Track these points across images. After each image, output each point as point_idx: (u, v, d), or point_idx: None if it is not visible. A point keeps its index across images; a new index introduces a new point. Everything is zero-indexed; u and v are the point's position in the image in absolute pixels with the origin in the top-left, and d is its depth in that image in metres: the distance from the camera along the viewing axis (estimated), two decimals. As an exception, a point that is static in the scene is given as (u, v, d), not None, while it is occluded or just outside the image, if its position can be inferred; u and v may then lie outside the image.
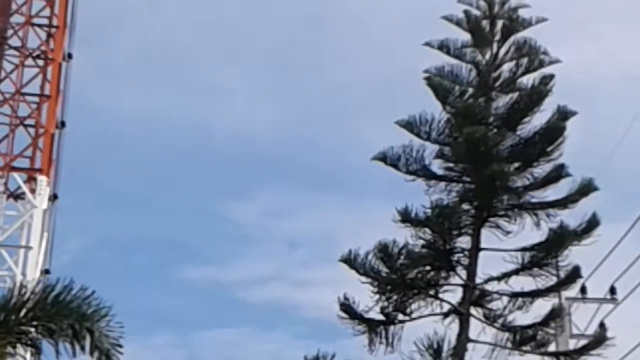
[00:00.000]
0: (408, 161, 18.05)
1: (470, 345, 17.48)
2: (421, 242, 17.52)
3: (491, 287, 17.73)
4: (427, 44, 18.78)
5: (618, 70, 40.70)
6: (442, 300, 17.73)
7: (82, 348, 10.98)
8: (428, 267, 17.64)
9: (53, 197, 27.02)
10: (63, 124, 27.74)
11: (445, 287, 17.79)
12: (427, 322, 17.72)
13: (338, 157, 45.10)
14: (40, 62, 27.85)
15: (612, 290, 21.29)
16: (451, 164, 18.02)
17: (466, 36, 18.81)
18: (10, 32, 27.84)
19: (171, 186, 48.14)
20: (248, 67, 48.05)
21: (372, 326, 17.69)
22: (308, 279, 47.87)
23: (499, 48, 18.81)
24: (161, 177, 47.25)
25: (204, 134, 48.64)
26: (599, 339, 18.16)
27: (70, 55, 28.24)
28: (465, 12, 18.81)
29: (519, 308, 17.71)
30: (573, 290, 19.50)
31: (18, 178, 26.59)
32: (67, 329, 10.84)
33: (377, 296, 17.64)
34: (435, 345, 17.28)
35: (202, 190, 48.31)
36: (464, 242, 17.70)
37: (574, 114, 18.09)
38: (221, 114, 49.00)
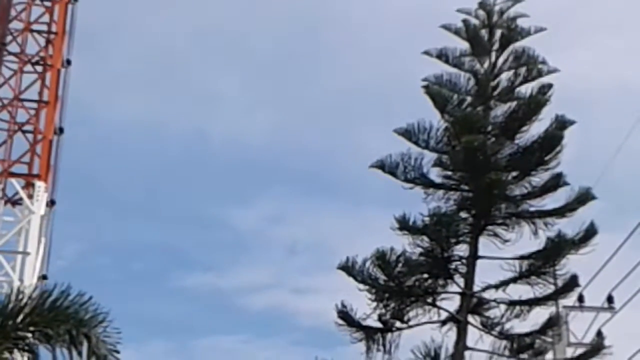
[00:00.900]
0: (406, 169, 18.08)
1: (467, 353, 17.49)
2: (419, 249, 17.56)
3: (489, 295, 17.76)
4: (426, 52, 18.83)
5: (616, 79, 40.78)
6: (439, 308, 17.75)
7: (79, 354, 10.97)
8: (426, 275, 17.66)
9: (51, 203, 26.97)
10: (61, 130, 27.72)
11: (442, 295, 17.81)
12: (425, 330, 17.75)
13: (336, 164, 45.14)
14: (39, 68, 27.83)
15: (610, 299, 21.27)
16: (449, 172, 18.05)
17: (465, 45, 18.88)
18: (9, 38, 27.84)
19: (169, 193, 48.16)
20: (245, 73, 48.12)
21: (369, 334, 17.69)
22: (306, 286, 47.85)
23: (497, 57, 18.86)
24: (159, 183, 47.28)
25: (202, 141, 48.67)
26: (597, 347, 18.18)
27: (69, 62, 28.23)
28: (464, 21, 18.87)
29: (517, 316, 17.73)
30: (570, 299, 19.48)
31: (16, 184, 26.55)
32: (64, 335, 10.83)
33: (375, 304, 17.66)
34: (432, 353, 17.29)
35: (200, 196, 48.29)
36: (461, 250, 17.74)
37: (572, 123, 18.14)
38: (219, 121, 49.05)
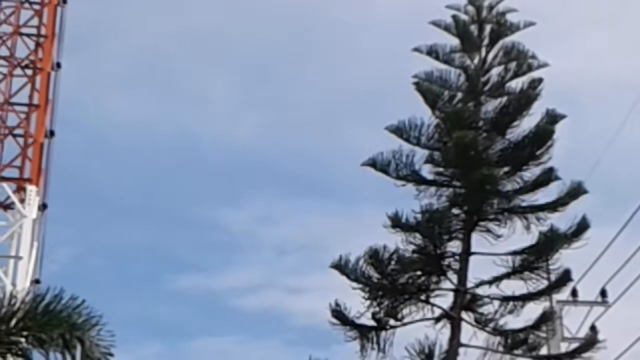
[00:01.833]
0: (398, 166, 18.06)
1: (461, 350, 17.49)
2: (412, 247, 17.54)
3: (482, 291, 17.76)
4: (416, 49, 18.81)
5: (606, 73, 40.83)
6: (433, 305, 17.74)
7: (73, 358, 10.94)
8: (419, 272, 17.65)
9: (43, 207, 26.93)
10: (52, 133, 27.68)
11: (436, 292, 17.80)
12: (419, 327, 17.75)
13: (327, 163, 45.16)
14: (29, 72, 27.79)
15: (603, 293, 21.30)
16: (441, 169, 18.04)
17: (455, 41, 18.86)
18: (-2, 42, 27.78)
19: (160, 194, 48.12)
20: (234, 74, 48.11)
21: (363, 332, 17.68)
22: (299, 286, 47.87)
23: (487, 52, 18.86)
24: (150, 185, 47.25)
25: (193, 142, 48.65)
26: (590, 341, 18.19)
27: (59, 65, 28.20)
28: (454, 17, 18.86)
29: (510, 312, 17.73)
30: (564, 294, 19.51)
31: (7, 188, 26.51)
32: (58, 339, 10.79)
33: (369, 302, 17.65)
34: (426, 350, 17.28)
35: (191, 198, 48.26)
36: (454, 246, 17.73)
37: (562, 117, 18.14)
38: (210, 122, 49.03)
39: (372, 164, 18.14)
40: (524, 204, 17.94)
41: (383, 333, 17.73)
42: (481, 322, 17.69)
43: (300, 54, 47.42)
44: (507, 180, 17.95)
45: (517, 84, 18.52)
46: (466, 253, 17.69)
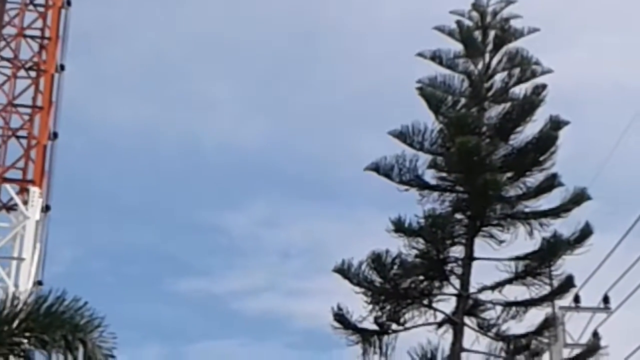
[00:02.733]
0: (401, 171, 18.08)
1: (464, 355, 17.49)
2: (414, 251, 17.55)
3: (485, 296, 17.76)
4: (420, 54, 18.84)
5: (610, 78, 40.81)
6: (435, 309, 17.75)
7: (75, 359, 10.95)
8: (421, 277, 17.65)
9: (45, 209, 26.92)
10: (55, 135, 27.68)
11: (438, 297, 17.81)
12: (421, 332, 17.75)
13: (330, 167, 45.12)
14: (33, 74, 27.79)
15: (606, 299, 21.27)
16: (444, 174, 18.05)
17: (459, 46, 18.88)
18: (2, 43, 27.80)
19: (163, 197, 48.08)
20: (238, 78, 48.10)
21: (366, 336, 17.68)
22: (301, 289, 47.82)
23: (491, 58, 18.87)
24: (153, 188, 47.24)
25: (195, 145, 48.62)
26: (593, 347, 18.20)
27: (62, 67, 28.18)
28: (458, 22, 18.88)
29: (513, 317, 17.73)
30: (566, 300, 19.50)
31: (10, 189, 26.50)
32: (60, 340, 10.80)
33: (371, 306, 17.65)
34: (429, 355, 17.28)
35: (194, 201, 48.25)
36: (457, 251, 17.73)
37: (566, 123, 18.16)
38: (213, 125, 49.00)
39: (375, 168, 18.15)
40: (527, 210, 17.95)
41: (385, 337, 17.73)
42: (484, 328, 17.69)
43: (304, 59, 47.43)
44: (510, 186, 17.96)
45: (520, 90, 18.57)
46: (469, 258, 17.69)
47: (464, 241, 17.68)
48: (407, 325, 17.78)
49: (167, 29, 46.53)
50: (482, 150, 17.80)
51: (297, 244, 47.56)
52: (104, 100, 44.10)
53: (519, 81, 18.61)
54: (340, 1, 45.16)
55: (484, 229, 17.83)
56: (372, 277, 17.52)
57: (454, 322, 17.51)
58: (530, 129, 18.21)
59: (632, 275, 19.66)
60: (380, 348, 17.68)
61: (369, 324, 17.75)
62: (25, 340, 10.94)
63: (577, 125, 19.37)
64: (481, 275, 17.75)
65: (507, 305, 17.67)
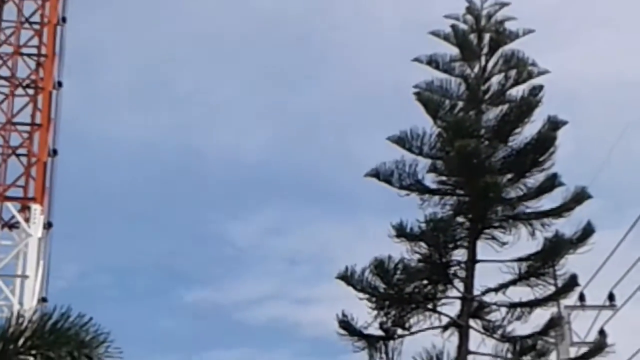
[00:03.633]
0: (401, 176, 18.09)
1: (470, 357, 17.48)
2: (417, 256, 17.56)
3: (489, 298, 17.76)
4: (416, 59, 18.86)
5: (609, 76, 40.86)
6: (440, 313, 17.74)
7: (82, 375, 10.95)
8: (425, 281, 17.66)
9: (48, 225, 26.98)
10: (55, 152, 27.75)
11: (443, 300, 17.80)
12: (427, 336, 17.74)
13: (332, 174, 45.18)
14: (31, 91, 27.88)
15: (611, 297, 21.30)
16: (444, 178, 18.07)
17: (454, 50, 18.91)
18: (-1, 62, 27.88)
19: (167, 209, 48.16)
20: (238, 87, 48.20)
21: (371, 342, 17.68)
22: (307, 297, 47.88)
23: (487, 61, 18.89)
24: (156, 200, 47.28)
25: (198, 156, 48.70)
26: (600, 346, 18.18)
27: (60, 84, 28.28)
28: (453, 26, 18.90)
29: (518, 318, 17.72)
30: (571, 299, 19.51)
31: (12, 207, 26.58)
32: (66, 357, 10.80)
33: (376, 312, 17.65)
34: (435, 359, 17.27)
35: (198, 212, 48.31)
36: (460, 254, 17.74)
37: (564, 123, 18.17)
38: (215, 135, 49.10)
39: (375, 174, 18.17)
40: (528, 211, 17.95)
41: (391, 342, 17.73)
42: (489, 329, 17.68)
43: (306, 65, 47.55)
44: (510, 188, 17.97)
45: (517, 92, 18.56)
46: (472, 261, 17.70)
47: (466, 244, 17.68)
48: (413, 329, 17.78)
49: (165, 41, 46.63)
50: (481, 152, 17.82)
51: (302, 251, 47.64)
52: (103, 114, 44.22)
53: (516, 83, 18.62)
54: (338, 7, 45.27)
55: (486, 231, 17.84)
56: (376, 283, 17.52)
57: (459, 325, 17.51)
58: (528, 130, 18.23)
59: (637, 272, 19.70)
60: (387, 353, 17.68)
61: (375, 330, 17.75)
62: (32, 358, 10.95)
63: (577, 123, 19.44)
64: (485, 277, 17.78)
65: (512, 306, 17.67)
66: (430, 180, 18.14)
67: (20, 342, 10.84)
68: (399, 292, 17.46)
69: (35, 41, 28.31)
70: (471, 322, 17.63)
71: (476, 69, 18.80)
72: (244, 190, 47.09)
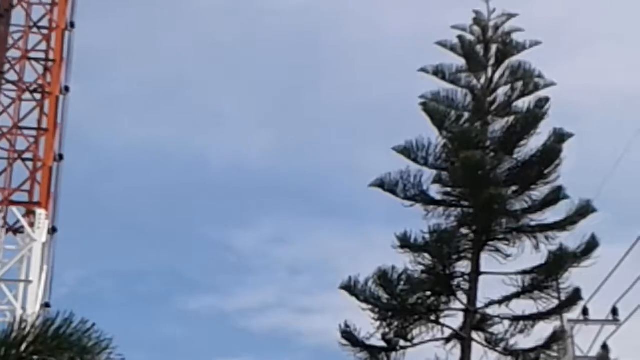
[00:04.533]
0: (406, 187, 18.07)
1: (472, 370, 17.42)
2: (421, 267, 17.52)
3: (492, 311, 17.72)
4: (423, 69, 18.86)
5: (615, 89, 40.83)
6: (443, 325, 17.70)
7: (84, 381, 10.95)
8: (428, 293, 17.62)
9: (52, 231, 26.95)
10: (61, 157, 27.74)
11: (446, 312, 17.77)
12: (429, 348, 17.70)
13: (336, 183, 45.16)
14: (38, 96, 27.89)
15: (614, 312, 21.21)
16: (449, 189, 18.04)
17: (461, 61, 18.91)
18: (7, 66, 27.93)
19: (171, 216, 48.14)
20: (244, 94, 48.23)
21: (373, 353, 17.64)
22: (309, 306, 47.81)
23: (493, 72, 18.89)
24: (160, 207, 47.27)
25: (202, 163, 48.73)
26: (602, 360, 18.11)
27: (67, 89, 28.29)
28: (460, 37, 18.91)
29: (521, 331, 17.67)
30: (575, 312, 19.44)
31: (17, 212, 26.55)
32: (68, 363, 10.81)
33: (378, 323, 17.62)
34: (437, 371, 17.23)
35: (202, 219, 48.32)
36: (463, 266, 17.70)
37: (570, 136, 18.15)
38: (218, 143, 49.11)
39: (380, 184, 18.15)
40: (532, 223, 17.92)
41: (393, 354, 17.69)
42: (492, 342, 17.63)
43: (311, 74, 47.58)
44: (515, 200, 17.94)
45: (523, 104, 18.56)
46: (475, 273, 17.66)
47: (470, 256, 17.65)
48: (415, 341, 17.75)
49: (171, 47, 46.71)
50: (487, 164, 17.80)
51: (305, 260, 47.59)
52: (109, 120, 44.27)
53: (522, 94, 18.62)
54: (345, 17, 45.32)
55: (490, 243, 17.80)
56: (379, 294, 17.49)
57: (462, 337, 17.47)
58: (534, 142, 18.23)
59: (640, 287, 19.61)
60: (389, 364, 17.64)
61: (377, 341, 17.72)
62: (34, 364, 10.95)
63: (582, 136, 19.37)
64: (488, 289, 17.73)
65: (515, 319, 17.62)
66: (435, 191, 18.15)
67: (23, 347, 10.82)
68: (402, 303, 17.43)
69: (43, 46, 28.34)
70: (474, 335, 17.58)
71: (482, 80, 18.80)
72: (248, 198, 47.09)
